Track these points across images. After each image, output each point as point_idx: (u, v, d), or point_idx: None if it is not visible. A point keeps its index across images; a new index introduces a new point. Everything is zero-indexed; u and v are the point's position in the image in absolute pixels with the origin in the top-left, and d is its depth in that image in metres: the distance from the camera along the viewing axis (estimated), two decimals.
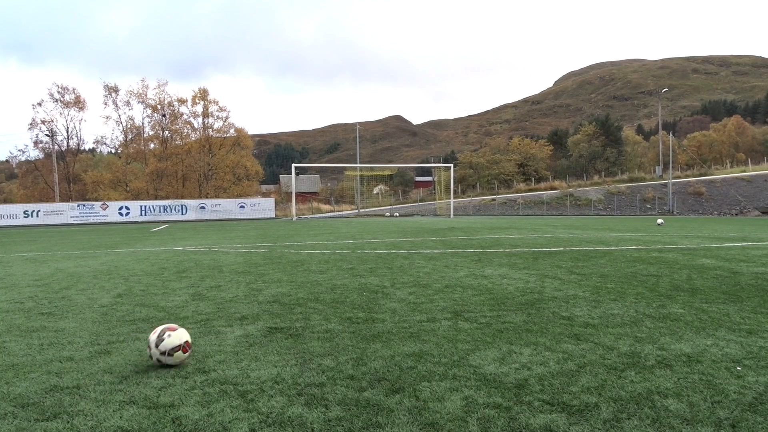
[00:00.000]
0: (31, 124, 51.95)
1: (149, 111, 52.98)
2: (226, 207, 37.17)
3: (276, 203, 42.68)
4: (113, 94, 52.42)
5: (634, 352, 3.42)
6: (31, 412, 2.56)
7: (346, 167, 57.31)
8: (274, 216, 37.57)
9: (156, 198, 45.52)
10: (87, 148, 60.95)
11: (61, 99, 52.27)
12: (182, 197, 45.21)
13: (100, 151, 60.71)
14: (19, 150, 65.68)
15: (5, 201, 56.39)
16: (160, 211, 35.96)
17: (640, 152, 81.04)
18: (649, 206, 49.12)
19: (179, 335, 3.18)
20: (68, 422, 2.44)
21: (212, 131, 52.95)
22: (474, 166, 69.53)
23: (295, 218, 36.40)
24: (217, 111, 52.74)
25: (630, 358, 3.30)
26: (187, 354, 3.21)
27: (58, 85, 61.24)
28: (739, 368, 3.09)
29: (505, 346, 3.56)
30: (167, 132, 53.56)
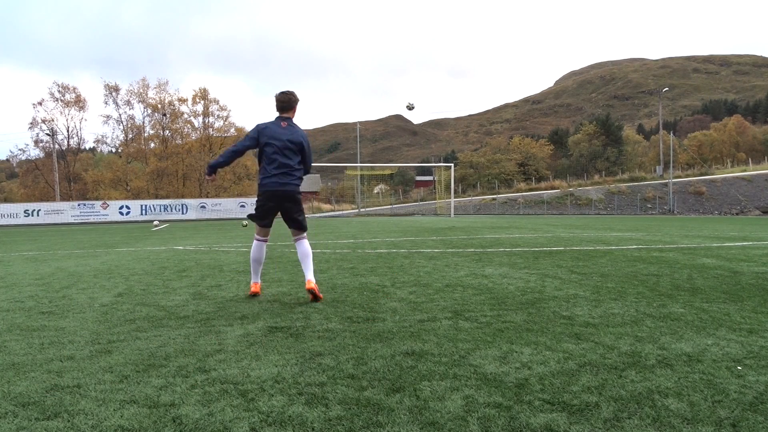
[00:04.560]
0: (31, 123, 51.96)
1: (150, 110, 52.97)
2: (226, 206, 37.19)
3: None
4: (114, 93, 52.42)
5: (635, 351, 3.42)
6: (32, 411, 2.56)
7: (346, 166, 57.30)
8: None
9: (156, 197, 45.51)
10: (87, 148, 60.95)
11: (62, 98, 52.23)
12: (183, 196, 45.21)
13: (101, 151, 60.72)
14: (20, 149, 65.52)
15: (6, 200, 56.40)
16: (160, 211, 35.96)
17: (640, 152, 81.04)
18: (649, 206, 49.08)
19: None
20: (69, 421, 2.44)
21: (213, 130, 52.98)
22: (474, 165, 69.51)
23: None
24: (218, 110, 52.76)
25: (630, 357, 3.30)
26: None
27: (58, 84, 61.15)
28: (739, 368, 3.09)
29: (505, 346, 3.56)
30: (168, 131, 53.57)
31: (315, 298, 5.19)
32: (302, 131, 5.32)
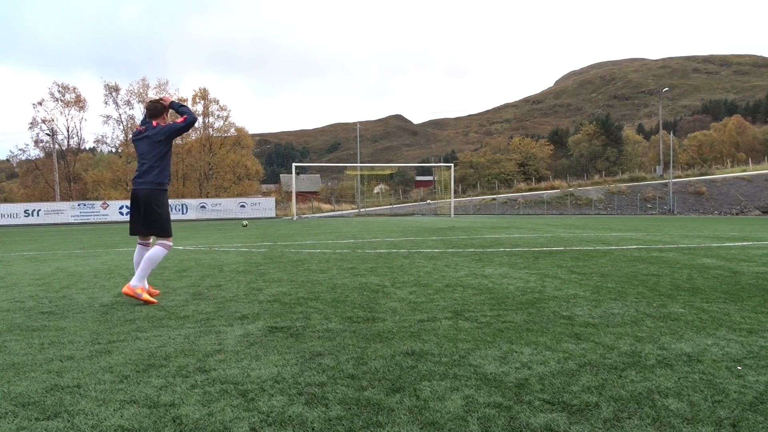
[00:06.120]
0: (31, 123, 51.97)
1: None
2: (226, 206, 37.16)
3: (276, 202, 42.68)
4: (114, 93, 52.43)
5: (635, 351, 3.42)
6: (32, 411, 2.56)
7: (346, 166, 57.29)
8: (274, 215, 37.58)
9: None
10: (87, 148, 60.95)
11: (62, 98, 52.23)
12: (183, 197, 45.22)
13: (101, 151, 60.70)
14: (20, 149, 65.56)
15: (6, 200, 56.39)
16: None
17: (640, 152, 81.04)
18: (649, 206, 49.09)
19: None
20: (69, 421, 2.44)
21: (213, 131, 52.96)
22: (474, 165, 69.52)
23: (295, 217, 36.42)
24: (218, 110, 52.74)
25: (630, 357, 3.30)
26: None
27: (58, 84, 61.15)
28: (739, 368, 3.09)
29: (505, 346, 3.56)
30: None
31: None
32: (165, 126, 5.45)
